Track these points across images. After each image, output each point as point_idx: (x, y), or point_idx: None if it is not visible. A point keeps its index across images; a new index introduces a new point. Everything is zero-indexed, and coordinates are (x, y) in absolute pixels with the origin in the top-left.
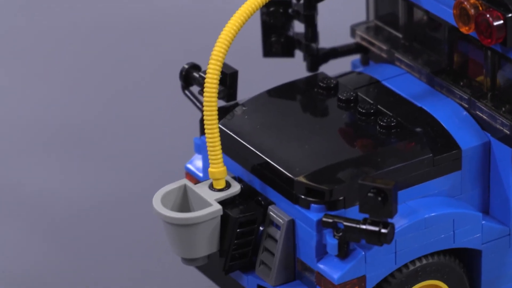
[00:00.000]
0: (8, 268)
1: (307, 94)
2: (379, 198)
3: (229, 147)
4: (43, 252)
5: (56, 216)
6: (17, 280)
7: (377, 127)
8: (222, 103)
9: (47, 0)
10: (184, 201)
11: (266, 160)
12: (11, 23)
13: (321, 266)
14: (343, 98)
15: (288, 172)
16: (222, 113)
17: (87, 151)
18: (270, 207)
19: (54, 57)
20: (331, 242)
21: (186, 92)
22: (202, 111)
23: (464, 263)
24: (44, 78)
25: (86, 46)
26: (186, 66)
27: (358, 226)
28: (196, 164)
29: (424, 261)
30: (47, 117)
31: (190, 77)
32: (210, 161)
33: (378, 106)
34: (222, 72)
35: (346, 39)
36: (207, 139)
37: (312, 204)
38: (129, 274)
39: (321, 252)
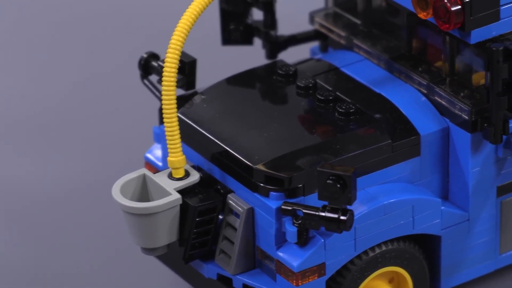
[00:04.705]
0: None
1: (266, 82)
2: (338, 185)
3: (188, 135)
4: (3, 240)
5: (15, 205)
6: None
7: (336, 113)
8: (181, 91)
9: None
10: (144, 191)
11: (225, 148)
12: None
13: (280, 254)
14: (302, 85)
15: (247, 160)
16: (181, 101)
17: (46, 141)
18: (229, 195)
19: (14, 48)
20: (291, 229)
21: (145, 81)
22: (161, 100)
23: (423, 249)
24: (4, 69)
25: (46, 37)
26: (145, 55)
27: (317, 213)
28: (155, 153)
29: (384, 248)
30: (7, 107)
31: (149, 66)
32: (169, 150)
33: (337, 93)
34: (181, 61)
35: (305, 26)
36: (165, 128)
37: (271, 192)
38: (88, 263)
39: (281, 240)
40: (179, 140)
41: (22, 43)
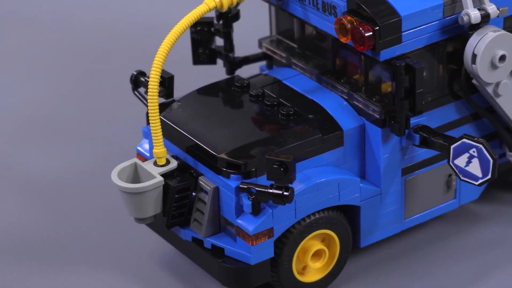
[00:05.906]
0: None
1: (227, 92)
2: (282, 169)
3: (168, 133)
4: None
5: (39, 190)
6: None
7: (279, 115)
8: (162, 100)
9: (16, 13)
10: (135, 175)
11: (196, 142)
12: None
13: (239, 221)
14: (253, 94)
15: (213, 151)
16: (163, 107)
17: (64, 138)
18: (200, 177)
19: (33, 61)
20: (246, 202)
21: (135, 92)
22: (147, 106)
23: (347, 216)
24: (23, 78)
25: (56, 53)
26: (135, 73)
27: (266, 190)
28: (144, 146)
29: (317, 215)
30: (32, 112)
31: (138, 81)
32: (154, 144)
33: (280, 100)
34: (162, 77)
35: (255, 50)
36: (151, 127)
37: (231, 175)
38: (94, 230)
39: (239, 210)
40: (161, 136)
41: (38, 58)
